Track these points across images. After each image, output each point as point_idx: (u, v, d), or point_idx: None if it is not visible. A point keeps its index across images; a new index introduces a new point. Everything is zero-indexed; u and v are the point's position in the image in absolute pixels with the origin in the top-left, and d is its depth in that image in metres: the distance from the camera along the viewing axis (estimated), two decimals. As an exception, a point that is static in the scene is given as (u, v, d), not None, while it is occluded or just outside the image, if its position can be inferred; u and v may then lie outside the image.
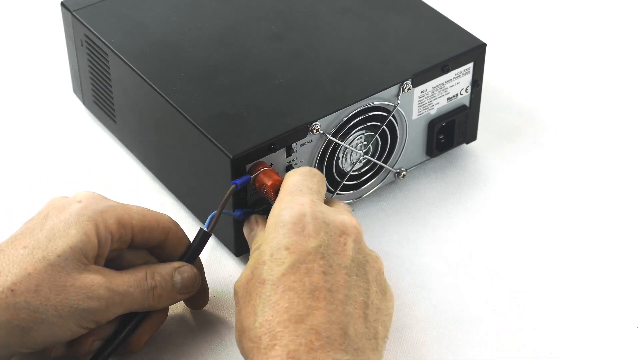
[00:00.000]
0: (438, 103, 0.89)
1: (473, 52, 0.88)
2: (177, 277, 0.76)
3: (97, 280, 0.72)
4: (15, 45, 1.08)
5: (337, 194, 0.87)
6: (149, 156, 0.91)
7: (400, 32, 0.89)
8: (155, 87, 0.84)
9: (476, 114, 0.92)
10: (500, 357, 0.78)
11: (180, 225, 0.79)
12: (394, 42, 0.88)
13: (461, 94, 0.90)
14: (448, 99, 0.89)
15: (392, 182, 0.91)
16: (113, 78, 0.90)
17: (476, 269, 0.85)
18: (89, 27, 0.90)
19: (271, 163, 0.80)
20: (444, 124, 0.90)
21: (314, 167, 0.84)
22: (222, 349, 0.79)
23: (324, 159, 0.84)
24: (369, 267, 0.72)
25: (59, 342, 0.73)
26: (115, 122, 0.94)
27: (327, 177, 0.85)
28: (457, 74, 0.88)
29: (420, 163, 0.92)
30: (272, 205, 0.79)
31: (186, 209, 0.89)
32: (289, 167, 0.82)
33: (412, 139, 0.89)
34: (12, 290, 0.70)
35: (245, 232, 0.79)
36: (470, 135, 0.93)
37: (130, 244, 0.76)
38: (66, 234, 0.72)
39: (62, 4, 0.94)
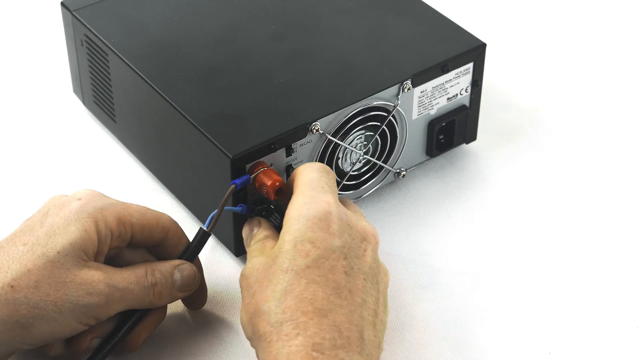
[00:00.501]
0: (438, 103, 0.89)
1: (473, 52, 0.88)
2: (177, 275, 0.77)
3: (97, 276, 0.72)
4: (15, 45, 1.08)
5: (337, 194, 0.86)
6: (149, 156, 0.91)
7: (400, 32, 0.89)
8: (155, 87, 0.84)
9: (476, 114, 0.92)
10: (500, 357, 0.78)
11: (180, 225, 0.79)
12: (393, 42, 0.88)
13: (461, 94, 0.90)
14: (448, 99, 0.89)
15: (392, 182, 0.91)
16: (113, 78, 0.90)
17: (476, 268, 0.85)
18: (89, 27, 0.90)
19: (271, 163, 0.80)
20: (443, 124, 0.90)
21: (314, 167, 0.84)
22: (222, 349, 0.79)
23: (324, 159, 0.84)
24: (380, 278, 0.73)
25: (59, 338, 0.73)
26: (115, 122, 0.94)
27: (327, 177, 0.85)
28: (457, 74, 0.88)
29: (420, 163, 0.92)
30: (272, 205, 0.79)
31: (186, 209, 0.89)
32: (289, 167, 0.82)
33: (412, 139, 0.89)
34: (12, 286, 0.70)
35: (245, 231, 0.79)
36: (470, 135, 0.93)
37: (129, 243, 0.76)
38: (66, 230, 0.72)
39: (62, 4, 0.94)
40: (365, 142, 0.86)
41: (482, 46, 0.88)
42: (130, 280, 0.74)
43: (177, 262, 0.77)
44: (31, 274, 0.71)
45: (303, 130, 0.81)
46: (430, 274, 0.84)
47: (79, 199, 0.74)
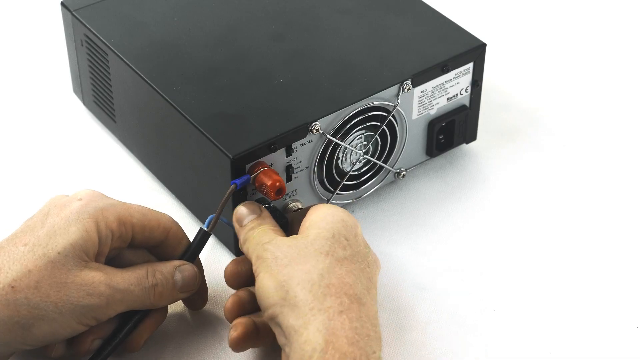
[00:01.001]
0: (438, 103, 0.89)
1: (473, 52, 0.88)
2: (178, 276, 0.77)
3: (97, 277, 0.72)
4: (15, 45, 1.08)
5: (337, 194, 0.87)
6: (149, 156, 0.91)
7: (400, 32, 0.89)
8: (155, 87, 0.84)
9: (476, 114, 0.92)
10: (500, 357, 0.78)
11: (180, 225, 0.79)
12: (393, 42, 0.88)
13: (461, 94, 0.90)
14: (448, 99, 0.89)
15: (392, 182, 0.91)
16: (113, 78, 0.90)
17: (476, 268, 0.85)
18: (88, 27, 0.90)
19: (271, 163, 0.80)
20: (443, 124, 0.90)
21: (314, 167, 0.84)
22: (222, 348, 0.79)
23: (324, 159, 0.84)
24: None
25: (60, 339, 0.73)
26: (115, 122, 0.94)
27: (327, 177, 0.85)
28: (457, 74, 0.88)
29: (420, 163, 0.92)
30: (272, 204, 0.79)
31: (186, 209, 0.89)
32: (289, 167, 0.82)
33: (412, 139, 0.89)
34: (12, 287, 0.70)
35: (244, 211, 0.77)
36: (470, 135, 0.93)
37: (130, 243, 0.76)
38: (67, 231, 0.72)
39: (62, 4, 0.94)
40: (365, 142, 0.86)
41: (482, 46, 0.88)
42: (130, 281, 0.74)
43: (177, 262, 0.77)
44: (32, 274, 0.71)
45: (303, 130, 0.81)
46: (430, 274, 0.84)
47: (80, 200, 0.74)
